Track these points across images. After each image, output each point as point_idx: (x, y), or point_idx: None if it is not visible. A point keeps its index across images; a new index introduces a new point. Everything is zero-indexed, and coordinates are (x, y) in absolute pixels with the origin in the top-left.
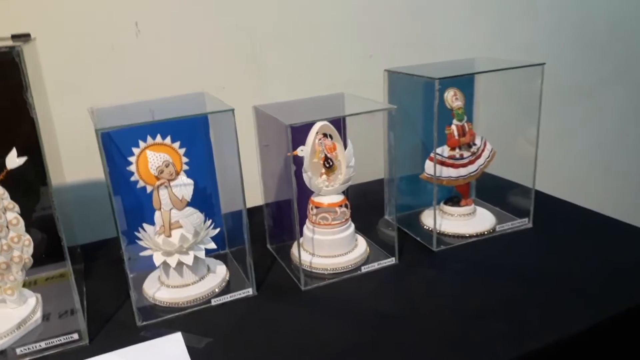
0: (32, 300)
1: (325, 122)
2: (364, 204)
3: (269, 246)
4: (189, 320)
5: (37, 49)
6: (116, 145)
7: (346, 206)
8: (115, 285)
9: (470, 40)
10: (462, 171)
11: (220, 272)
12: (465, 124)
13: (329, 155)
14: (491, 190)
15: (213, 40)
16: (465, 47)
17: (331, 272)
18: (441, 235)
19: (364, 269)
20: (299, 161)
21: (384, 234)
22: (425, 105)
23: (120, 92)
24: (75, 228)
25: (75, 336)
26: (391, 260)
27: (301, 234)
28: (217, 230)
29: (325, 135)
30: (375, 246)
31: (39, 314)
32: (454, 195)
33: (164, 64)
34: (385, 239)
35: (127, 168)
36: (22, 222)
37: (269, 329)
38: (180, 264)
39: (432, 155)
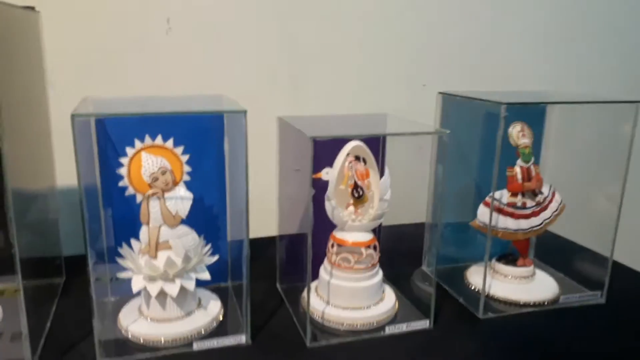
0: None
1: (359, 143)
2: (398, 250)
3: (278, 285)
4: None
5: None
6: (112, 143)
7: (374, 248)
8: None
9: (540, 72)
10: (523, 223)
11: (212, 309)
12: (532, 167)
13: (359, 182)
14: (555, 252)
15: (251, 45)
16: (534, 80)
17: (347, 328)
18: (490, 299)
19: (389, 330)
20: (322, 187)
21: (419, 289)
22: (485, 138)
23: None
24: (64, 237)
25: None
26: (424, 324)
27: (317, 276)
28: (216, 257)
29: (357, 158)
30: (406, 302)
31: None
32: (509, 253)
33: (194, 65)
34: (419, 295)
35: (117, 171)
36: None
37: None
38: (163, 293)
39: (488, 199)
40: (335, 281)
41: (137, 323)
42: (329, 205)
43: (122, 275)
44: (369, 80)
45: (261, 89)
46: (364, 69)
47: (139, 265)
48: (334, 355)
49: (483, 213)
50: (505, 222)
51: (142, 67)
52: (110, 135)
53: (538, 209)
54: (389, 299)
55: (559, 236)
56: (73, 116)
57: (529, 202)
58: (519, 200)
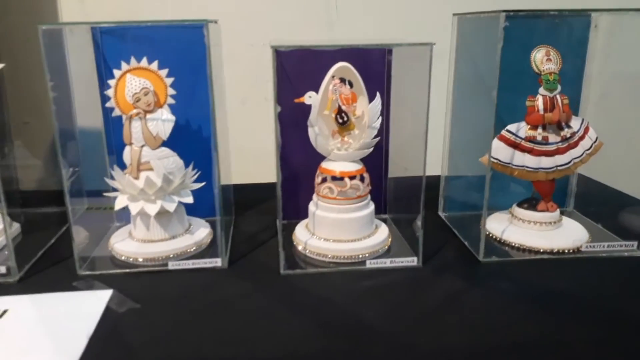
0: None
1: (344, 64)
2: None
3: (277, 222)
4: (135, 280)
5: None
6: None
7: (362, 179)
8: (96, 229)
9: None
10: (545, 161)
11: (198, 235)
12: (558, 97)
13: (343, 107)
14: (597, 202)
15: None
16: None
17: (330, 259)
18: (503, 244)
19: (371, 264)
20: (306, 111)
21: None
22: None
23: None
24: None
25: (2, 269)
26: (412, 260)
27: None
28: (202, 184)
29: (343, 81)
30: (403, 243)
31: None
32: (532, 197)
33: None
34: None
35: (105, 92)
36: None
37: (205, 312)
38: (144, 213)
39: (503, 132)
40: (319, 212)
41: (123, 242)
42: (312, 132)
43: (109, 194)
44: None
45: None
46: None
47: (124, 185)
48: (302, 285)
49: (497, 148)
50: (523, 159)
51: None
52: (108, 59)
53: (564, 145)
54: (380, 235)
55: (606, 186)
56: (39, 25)
57: (553, 137)
58: (538, 133)
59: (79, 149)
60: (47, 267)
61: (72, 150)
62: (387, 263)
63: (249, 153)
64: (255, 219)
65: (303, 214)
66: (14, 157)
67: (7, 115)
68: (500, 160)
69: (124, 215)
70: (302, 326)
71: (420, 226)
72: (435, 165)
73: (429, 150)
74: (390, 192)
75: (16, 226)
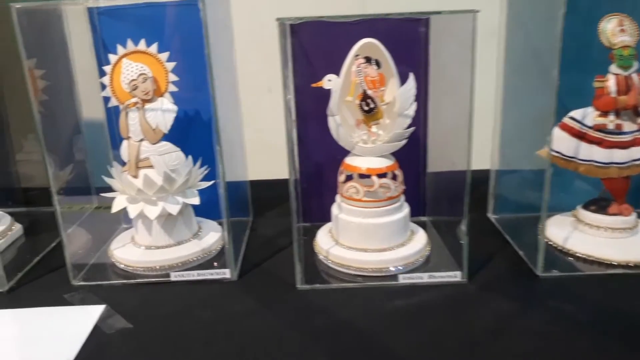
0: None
1: (371, 40)
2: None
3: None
4: (132, 293)
5: None
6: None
7: (393, 177)
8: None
9: None
10: (618, 155)
11: (207, 240)
12: (634, 76)
13: (369, 92)
14: None
15: None
16: None
17: (355, 272)
18: (565, 255)
19: (404, 279)
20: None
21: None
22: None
23: None
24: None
25: None
26: (454, 276)
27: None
28: (210, 182)
29: (368, 60)
30: (444, 251)
31: None
32: (600, 197)
33: None
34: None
35: (100, 80)
36: None
37: (204, 333)
38: (144, 216)
39: (565, 120)
40: (343, 216)
41: (124, 249)
42: (332, 122)
43: (106, 194)
44: None
45: None
46: None
47: (123, 185)
48: (322, 300)
49: (559, 139)
50: (590, 152)
51: None
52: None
53: None
54: (415, 244)
55: None
56: (12, 4)
57: (628, 126)
58: (610, 121)
59: (85, 142)
60: (41, 275)
61: (78, 144)
62: (424, 278)
63: (272, 146)
64: (275, 220)
65: (328, 216)
66: (14, 151)
67: (2, 104)
68: (562, 154)
69: None
70: (318, 354)
71: (464, 232)
72: (484, 158)
73: (477, 140)
74: (430, 190)
75: (18, 227)
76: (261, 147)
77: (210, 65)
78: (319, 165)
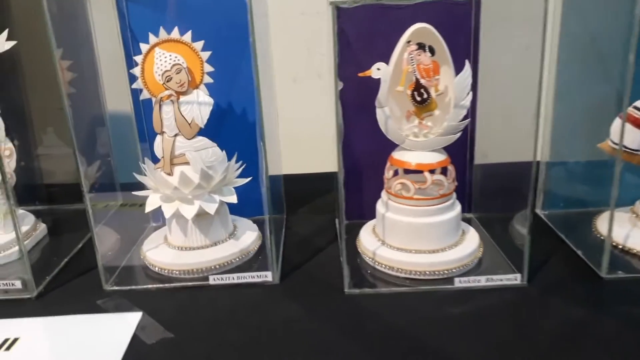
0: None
1: (424, 25)
2: (507, 188)
3: (336, 222)
4: (169, 298)
5: None
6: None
7: (445, 173)
8: (126, 234)
9: None
10: None
11: (245, 240)
12: None
13: (422, 82)
14: None
15: None
16: None
17: (403, 275)
18: (625, 253)
19: (460, 283)
20: (373, 87)
21: (518, 235)
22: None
23: None
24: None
25: (18, 284)
26: (514, 278)
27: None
28: (247, 179)
29: (422, 47)
30: (495, 251)
31: (14, 249)
32: None
33: None
34: (520, 245)
35: (130, 71)
36: None
37: (250, 341)
38: (180, 216)
39: (631, 110)
40: (390, 214)
41: (157, 250)
42: (381, 114)
43: (139, 192)
44: None
45: None
46: None
47: (156, 182)
48: (372, 305)
49: (617, 129)
50: None
51: None
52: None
53: None
54: (469, 244)
55: None
56: None
57: None
58: None
59: (110, 136)
60: (70, 279)
61: (103, 138)
62: (481, 282)
63: (299, 139)
64: (310, 217)
65: (368, 213)
66: (36, 146)
67: (24, 98)
68: (626, 147)
69: (161, 214)
70: None
71: (526, 231)
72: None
73: (522, 130)
74: (476, 184)
75: (42, 227)
76: (287, 140)
77: (256, 55)
78: (357, 159)
